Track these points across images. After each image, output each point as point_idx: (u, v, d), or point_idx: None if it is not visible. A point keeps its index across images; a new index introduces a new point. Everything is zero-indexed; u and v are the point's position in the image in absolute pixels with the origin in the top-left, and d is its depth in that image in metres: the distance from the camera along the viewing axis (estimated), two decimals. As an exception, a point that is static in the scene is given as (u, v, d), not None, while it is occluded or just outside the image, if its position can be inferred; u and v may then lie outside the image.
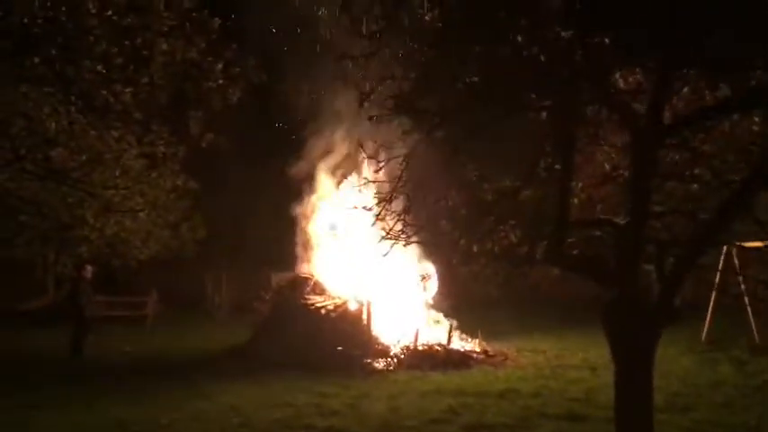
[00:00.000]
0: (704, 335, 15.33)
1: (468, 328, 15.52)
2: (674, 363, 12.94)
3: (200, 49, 7.26)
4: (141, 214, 12.88)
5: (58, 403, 10.18)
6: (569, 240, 5.28)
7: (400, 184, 6.27)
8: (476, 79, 5.59)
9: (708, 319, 15.38)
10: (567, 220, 4.99)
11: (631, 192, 4.82)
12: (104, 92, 7.11)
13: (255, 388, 11.06)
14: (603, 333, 5.31)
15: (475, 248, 6.58)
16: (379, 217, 6.44)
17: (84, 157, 9.07)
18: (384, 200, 6.54)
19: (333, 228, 15.57)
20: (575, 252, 5.41)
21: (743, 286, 14.64)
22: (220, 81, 7.47)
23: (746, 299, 14.75)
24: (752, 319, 14.97)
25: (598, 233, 5.75)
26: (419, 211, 6.73)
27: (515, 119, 5.76)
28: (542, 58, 5.21)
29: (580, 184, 6.57)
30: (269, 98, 12.84)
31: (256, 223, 23.80)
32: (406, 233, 6.62)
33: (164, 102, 7.47)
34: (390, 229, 6.55)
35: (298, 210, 16.48)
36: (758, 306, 14.68)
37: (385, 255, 6.94)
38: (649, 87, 5.01)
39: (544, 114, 5.43)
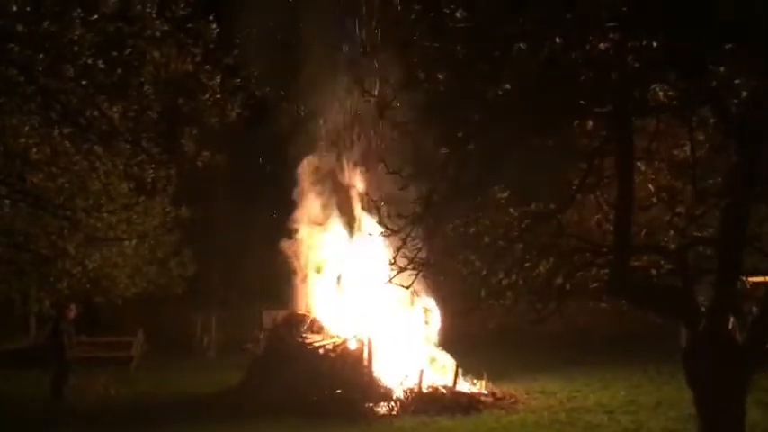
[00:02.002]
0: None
1: (471, 368, 14.72)
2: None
3: (195, 61, 6.63)
4: (128, 247, 12.06)
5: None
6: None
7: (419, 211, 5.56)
8: (508, 86, 4.95)
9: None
10: (628, 243, 4.29)
11: (728, 210, 4.11)
12: (90, 108, 6.43)
13: (250, 435, 10.19)
14: (685, 378, 4.54)
15: (503, 281, 5.86)
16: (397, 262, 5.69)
17: (65, 182, 8.35)
18: (394, 232, 5.83)
19: (339, 279, 14.83)
20: (645, 282, 4.69)
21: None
22: (218, 95, 6.82)
23: None
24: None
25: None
26: (436, 239, 6.03)
27: (552, 132, 5.09)
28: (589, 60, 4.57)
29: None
30: (267, 116, 12.14)
31: (248, 259, 23.00)
32: (418, 265, 5.89)
33: (155, 118, 6.80)
34: (410, 261, 5.82)
35: (293, 244, 15.67)
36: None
37: (388, 281, 6.23)
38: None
39: (590, 124, 4.75)
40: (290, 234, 15.52)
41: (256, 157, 15.84)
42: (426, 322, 14.57)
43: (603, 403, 12.63)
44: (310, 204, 15.19)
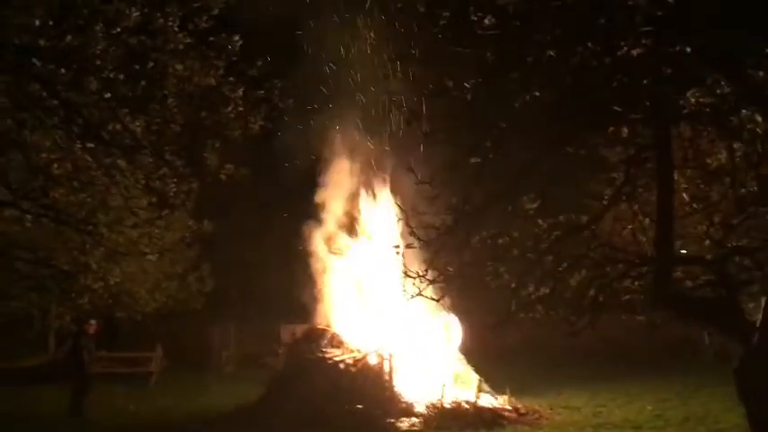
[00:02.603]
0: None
1: (494, 383, 14.49)
2: (723, 419, 11.90)
3: (218, 74, 6.58)
4: (149, 262, 11.98)
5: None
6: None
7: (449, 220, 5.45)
8: (537, 94, 4.83)
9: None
10: (671, 254, 4.14)
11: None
12: (112, 121, 6.40)
13: (273, 453, 10.05)
14: (738, 395, 4.36)
15: (533, 294, 5.71)
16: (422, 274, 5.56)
17: (87, 196, 8.31)
18: (424, 242, 5.70)
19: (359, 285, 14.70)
20: (689, 294, 4.53)
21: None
22: (240, 108, 6.76)
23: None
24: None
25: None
26: (465, 251, 5.90)
27: (584, 140, 4.96)
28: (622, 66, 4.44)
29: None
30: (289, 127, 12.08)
31: (266, 273, 22.92)
32: (448, 277, 5.77)
33: (177, 131, 6.75)
34: (439, 273, 5.69)
35: (313, 258, 15.56)
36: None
37: (413, 297, 6.10)
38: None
39: (625, 131, 4.61)
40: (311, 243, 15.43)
41: (275, 169, 15.67)
42: (448, 337, 14.36)
43: (630, 419, 12.35)
44: (335, 209, 15.09)
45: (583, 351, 22.30)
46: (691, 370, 18.39)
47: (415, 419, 12.23)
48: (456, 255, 5.41)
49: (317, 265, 15.23)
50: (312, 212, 15.13)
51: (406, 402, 12.70)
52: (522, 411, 13.13)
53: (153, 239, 10.93)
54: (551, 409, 13.63)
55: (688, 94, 4.85)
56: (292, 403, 12.61)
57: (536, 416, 12.88)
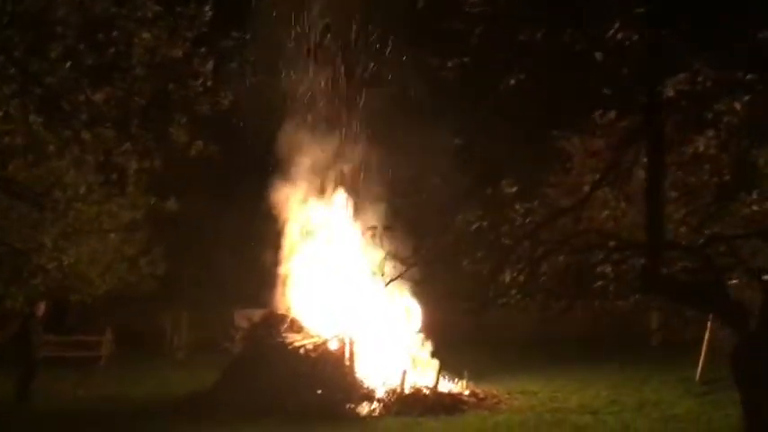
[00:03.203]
0: (698, 374, 14.60)
1: (449, 368, 14.52)
2: (677, 405, 12.21)
3: (186, 46, 6.28)
4: (100, 243, 11.52)
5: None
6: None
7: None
8: (522, 77, 4.74)
9: (702, 357, 14.67)
10: (661, 239, 4.11)
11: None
12: (74, 92, 6.03)
13: (232, 439, 9.83)
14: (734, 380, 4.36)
15: (507, 278, 5.65)
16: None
17: (43, 171, 7.88)
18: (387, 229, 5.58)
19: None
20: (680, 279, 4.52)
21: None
22: (210, 82, 6.48)
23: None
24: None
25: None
26: (442, 235, 5.80)
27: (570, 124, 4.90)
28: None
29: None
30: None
31: (220, 257, 22.49)
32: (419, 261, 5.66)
33: (143, 104, 6.43)
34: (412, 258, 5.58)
35: (270, 241, 15.28)
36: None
37: (388, 283, 5.98)
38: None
39: (612, 115, 4.56)
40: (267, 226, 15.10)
41: (233, 148, 15.12)
42: (408, 322, 14.34)
43: (586, 404, 12.55)
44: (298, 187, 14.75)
45: (534, 337, 22.66)
46: (640, 356, 18.81)
47: (375, 405, 12.17)
48: (436, 238, 5.30)
49: (278, 248, 14.94)
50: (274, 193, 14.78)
51: (366, 388, 12.64)
52: (481, 396, 13.23)
53: (111, 217, 10.47)
54: (509, 394, 13.75)
55: (670, 81, 4.83)
56: (250, 389, 12.38)
57: (495, 401, 12.99)
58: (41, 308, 13.47)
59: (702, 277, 4.67)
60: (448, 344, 15.38)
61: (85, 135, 6.47)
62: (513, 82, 4.81)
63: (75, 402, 13.90)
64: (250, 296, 20.36)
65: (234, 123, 12.32)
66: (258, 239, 15.80)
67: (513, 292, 5.82)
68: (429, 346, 14.61)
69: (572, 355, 19.43)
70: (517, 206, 5.86)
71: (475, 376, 14.50)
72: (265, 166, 14.34)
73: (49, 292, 12.97)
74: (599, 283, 5.79)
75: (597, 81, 4.43)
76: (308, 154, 14.16)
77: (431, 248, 5.37)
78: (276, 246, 15.12)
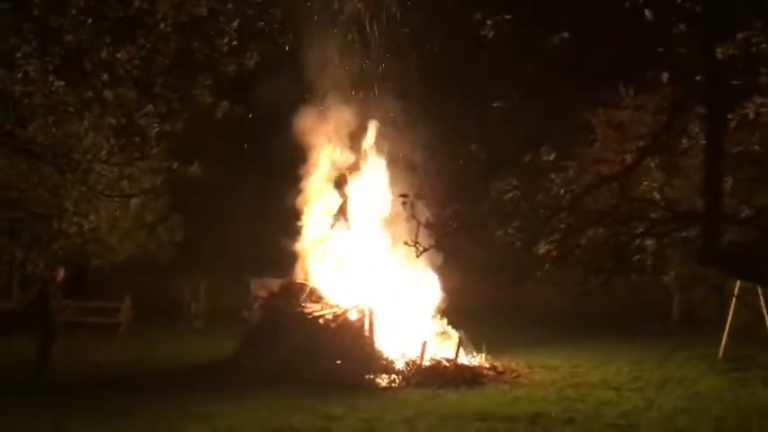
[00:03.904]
0: (721, 351, 14.39)
1: (469, 341, 14.38)
2: (701, 383, 12.03)
3: (211, 5, 6.02)
4: (120, 209, 11.37)
5: (23, 423, 8.79)
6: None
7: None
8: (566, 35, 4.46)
9: (726, 333, 14.45)
10: (720, 208, 3.88)
11: None
12: (95, 51, 5.83)
13: (253, 407, 9.77)
14: None
15: (542, 250, 5.42)
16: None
17: (64, 132, 7.70)
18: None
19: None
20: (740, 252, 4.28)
21: (762, 300, 13.89)
22: (235, 42, 6.23)
23: (766, 313, 13.95)
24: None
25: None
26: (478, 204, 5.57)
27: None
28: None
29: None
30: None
31: (239, 225, 22.39)
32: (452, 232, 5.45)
33: (166, 64, 6.21)
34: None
35: (291, 209, 15.07)
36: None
37: (421, 253, 5.77)
38: None
39: (665, 77, 4.28)
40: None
41: (259, 110, 14.56)
42: (427, 294, 14.19)
43: (608, 379, 12.40)
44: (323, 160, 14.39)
45: (552, 311, 22.53)
46: (661, 333, 18.62)
47: (394, 376, 12.08)
48: (470, 207, 5.08)
49: (299, 216, 14.74)
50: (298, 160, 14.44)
51: (385, 359, 12.54)
52: (501, 370, 13.11)
53: (132, 181, 10.29)
54: (529, 368, 13.61)
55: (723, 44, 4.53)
56: (269, 358, 12.33)
57: (514, 375, 12.85)
58: (61, 273, 13.40)
59: (757, 250, 4.44)
60: (467, 316, 15.28)
61: (107, 95, 6.28)
62: (557, 42, 4.53)
63: (95, 368, 13.94)
64: (268, 265, 20.26)
65: (259, 85, 11.90)
66: (279, 207, 15.60)
67: (547, 265, 5.60)
68: (449, 319, 14.44)
69: (589, 330, 19.29)
70: (553, 175, 5.60)
71: (494, 350, 14.38)
72: (290, 130, 13.91)
73: (68, 258, 12.88)
74: (637, 256, 5.57)
75: (649, 40, 4.15)
76: (336, 118, 13.80)
77: (464, 218, 5.14)
78: (297, 214, 14.92)
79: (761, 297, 13.73)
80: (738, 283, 13.08)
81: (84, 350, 15.56)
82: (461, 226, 5.04)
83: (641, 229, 4.98)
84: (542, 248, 5.39)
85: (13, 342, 15.44)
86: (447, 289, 14.66)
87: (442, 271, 14.43)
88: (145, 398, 10.56)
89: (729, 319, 14.46)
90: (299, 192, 14.80)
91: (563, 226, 5.40)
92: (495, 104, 4.41)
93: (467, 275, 11.67)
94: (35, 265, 12.34)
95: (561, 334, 18.38)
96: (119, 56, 6.04)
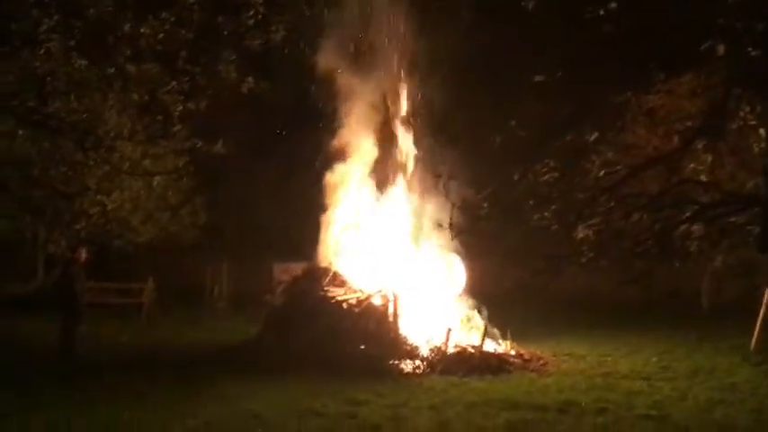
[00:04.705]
0: (753, 342, 14.01)
1: (494, 328, 14.13)
2: (734, 374, 11.67)
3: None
4: (144, 189, 11.22)
5: (49, 405, 8.74)
6: None
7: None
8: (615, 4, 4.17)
9: (759, 324, 14.07)
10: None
11: None
12: (117, 26, 5.64)
13: (276, 391, 9.66)
14: None
15: (580, 235, 5.16)
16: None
17: (86, 110, 7.54)
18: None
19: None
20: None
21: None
22: (261, 14, 6.00)
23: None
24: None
25: None
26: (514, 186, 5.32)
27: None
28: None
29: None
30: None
31: (262, 209, 22.30)
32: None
33: (190, 38, 5.99)
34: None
35: (317, 192, 14.85)
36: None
37: (455, 236, 5.54)
38: None
39: (721, 49, 3.98)
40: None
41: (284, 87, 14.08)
42: (452, 279, 13.96)
43: (637, 370, 12.10)
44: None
45: (574, 299, 22.23)
46: (687, 323, 18.24)
47: (419, 362, 11.89)
48: (506, 190, 4.84)
49: (323, 200, 14.50)
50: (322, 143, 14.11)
51: (410, 345, 12.34)
52: (527, 357, 12.86)
53: (156, 160, 10.11)
54: (555, 356, 13.37)
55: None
56: (292, 342, 12.20)
57: (541, 363, 12.61)
58: (83, 254, 13.37)
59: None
60: (491, 303, 15.06)
61: (130, 69, 6.09)
62: (602, 12, 4.25)
63: (119, 349, 13.96)
64: (292, 248, 20.15)
65: (285, 61, 11.54)
66: (302, 190, 15.42)
67: (585, 249, 5.35)
68: (474, 305, 14.20)
69: (614, 319, 18.98)
70: (594, 157, 5.33)
71: (517, 337, 14.14)
72: (315, 110, 13.57)
73: (90, 238, 12.80)
74: (682, 243, 5.29)
75: (705, 11, 3.86)
76: (365, 95, 13.43)
77: (500, 200, 4.90)
78: (321, 197, 14.70)
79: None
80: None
81: (108, 331, 15.61)
82: (497, 209, 4.79)
83: (688, 214, 4.71)
84: (581, 233, 5.14)
85: (39, 323, 15.51)
86: (474, 274, 14.42)
87: (470, 255, 14.20)
88: (167, 379, 10.50)
89: (763, 310, 14.07)
90: (326, 174, 14.54)
91: (602, 210, 5.13)
92: (536, 78, 4.17)
93: (495, 260, 11.34)
94: (57, 244, 12.26)
95: (586, 322, 18.16)
96: (142, 30, 5.86)
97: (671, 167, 4.62)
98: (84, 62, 6.82)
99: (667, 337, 15.96)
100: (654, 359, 13.15)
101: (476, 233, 7.27)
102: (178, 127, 8.39)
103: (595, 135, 4.96)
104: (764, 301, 14.03)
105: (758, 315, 14.08)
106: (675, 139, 4.73)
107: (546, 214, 5.35)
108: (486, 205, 5.19)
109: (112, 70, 6.44)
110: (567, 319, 19.12)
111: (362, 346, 12.12)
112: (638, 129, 6.97)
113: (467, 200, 4.90)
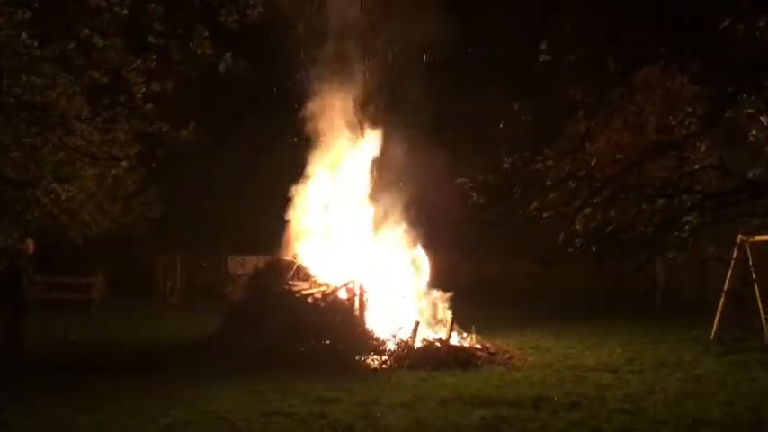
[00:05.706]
0: (713, 333, 14.19)
1: (457, 322, 13.93)
2: (699, 365, 11.72)
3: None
4: (92, 181, 10.60)
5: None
6: None
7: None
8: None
9: (718, 315, 14.26)
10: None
11: None
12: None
13: (241, 392, 9.20)
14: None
15: (579, 225, 4.93)
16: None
17: (42, 87, 6.95)
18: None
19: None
20: None
21: (755, 282, 13.69)
22: (238, -9, 5.57)
23: (758, 295, 13.76)
24: (763, 318, 13.89)
25: None
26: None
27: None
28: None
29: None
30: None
31: (217, 200, 21.70)
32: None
33: (160, 13, 5.50)
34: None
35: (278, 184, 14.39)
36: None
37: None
38: None
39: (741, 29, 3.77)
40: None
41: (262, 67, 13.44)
42: (417, 273, 13.72)
43: (603, 362, 12.05)
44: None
45: (535, 293, 22.34)
46: (644, 315, 18.44)
47: (386, 357, 11.60)
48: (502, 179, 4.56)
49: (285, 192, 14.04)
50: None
51: (376, 339, 12.04)
52: (492, 351, 12.69)
53: (117, 145, 9.47)
54: (520, 349, 13.25)
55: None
56: (255, 338, 11.73)
57: (507, 356, 12.44)
58: (30, 246, 12.66)
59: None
60: (455, 296, 14.86)
61: (96, 41, 5.57)
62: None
63: (68, 346, 13.31)
64: (247, 241, 19.66)
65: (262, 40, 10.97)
66: (261, 179, 14.94)
67: (578, 240, 5.11)
68: (440, 298, 13.98)
69: (576, 312, 19.07)
70: (588, 144, 5.09)
71: (482, 331, 13.98)
72: (286, 95, 13.06)
73: (41, 230, 12.09)
74: (677, 234, 5.11)
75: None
76: (341, 84, 13.00)
77: (491, 187, 4.63)
78: (284, 189, 14.23)
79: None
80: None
81: (55, 327, 14.89)
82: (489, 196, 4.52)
83: (690, 204, 4.52)
84: (578, 224, 4.90)
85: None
86: (439, 268, 14.23)
87: (434, 249, 13.98)
88: (122, 380, 9.94)
89: (722, 300, 14.26)
90: (286, 167, 14.09)
91: (596, 199, 4.90)
92: (541, 58, 3.89)
93: (457, 254, 11.10)
94: (8, 235, 11.53)
95: (545, 314, 18.22)
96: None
97: (680, 155, 4.42)
98: (40, 34, 6.25)
99: (628, 329, 16.07)
100: (618, 351, 13.16)
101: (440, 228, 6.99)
102: (149, 106, 7.79)
103: (593, 123, 4.70)
104: (724, 289, 14.20)
105: (716, 305, 14.27)
106: (688, 123, 4.53)
107: (547, 200, 5.09)
108: (472, 195, 4.90)
109: (72, 45, 5.91)
110: (528, 310, 19.14)
111: (327, 342, 11.75)
112: (651, 111, 6.71)
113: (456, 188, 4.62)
